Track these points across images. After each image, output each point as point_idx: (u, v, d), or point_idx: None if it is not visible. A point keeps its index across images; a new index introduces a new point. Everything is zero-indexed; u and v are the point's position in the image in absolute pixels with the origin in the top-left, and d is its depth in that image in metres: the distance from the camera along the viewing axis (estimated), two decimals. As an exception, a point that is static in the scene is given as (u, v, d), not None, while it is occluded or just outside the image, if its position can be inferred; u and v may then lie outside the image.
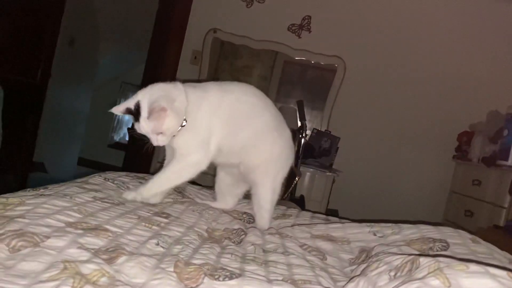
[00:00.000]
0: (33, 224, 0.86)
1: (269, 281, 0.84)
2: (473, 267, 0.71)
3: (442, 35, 3.39)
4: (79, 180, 1.35)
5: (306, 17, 3.46)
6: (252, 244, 1.11)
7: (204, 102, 1.29)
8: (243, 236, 1.20)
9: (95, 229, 0.92)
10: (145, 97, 1.21)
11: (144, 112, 1.20)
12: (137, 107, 1.21)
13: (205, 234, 1.13)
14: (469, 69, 3.35)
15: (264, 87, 3.66)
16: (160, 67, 3.62)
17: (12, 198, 1.00)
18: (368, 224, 1.40)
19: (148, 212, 1.16)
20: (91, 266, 0.74)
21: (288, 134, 1.48)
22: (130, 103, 1.23)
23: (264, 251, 1.08)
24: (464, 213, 2.88)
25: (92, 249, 0.83)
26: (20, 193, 1.08)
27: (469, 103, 3.33)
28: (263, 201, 1.40)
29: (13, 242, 0.77)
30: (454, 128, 3.26)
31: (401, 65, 3.41)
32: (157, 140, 1.23)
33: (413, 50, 3.41)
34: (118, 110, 1.25)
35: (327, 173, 3.05)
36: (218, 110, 1.31)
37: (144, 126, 1.21)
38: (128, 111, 1.23)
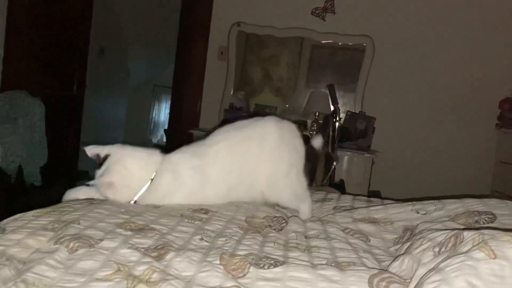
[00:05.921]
0: (87, 228, 0.92)
1: (313, 266, 0.86)
2: (519, 236, 0.69)
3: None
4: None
5: (329, -1, 3.41)
6: (294, 232, 1.13)
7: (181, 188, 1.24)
8: (284, 224, 1.21)
9: (143, 229, 0.97)
10: (113, 158, 1.18)
11: (100, 171, 1.17)
12: (104, 159, 1.18)
13: (245, 225, 1.15)
14: (507, 32, 3.20)
15: (293, 74, 3.65)
16: (188, 67, 3.67)
17: (67, 206, 1.07)
18: (410, 202, 1.38)
19: (188, 210, 1.20)
20: (142, 268, 0.78)
21: (273, 139, 1.31)
22: (103, 151, 1.20)
23: (306, 237, 1.10)
24: (513, 183, 2.78)
25: (142, 248, 0.87)
26: (72, 201, 1.15)
27: (509, 68, 3.18)
28: (288, 205, 1.39)
29: (71, 244, 0.84)
30: (494, 96, 3.14)
31: (433, 33, 3.30)
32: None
33: (445, 15, 3.28)
34: (90, 151, 1.21)
35: (366, 155, 3.01)
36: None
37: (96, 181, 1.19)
38: (97, 157, 1.20)
